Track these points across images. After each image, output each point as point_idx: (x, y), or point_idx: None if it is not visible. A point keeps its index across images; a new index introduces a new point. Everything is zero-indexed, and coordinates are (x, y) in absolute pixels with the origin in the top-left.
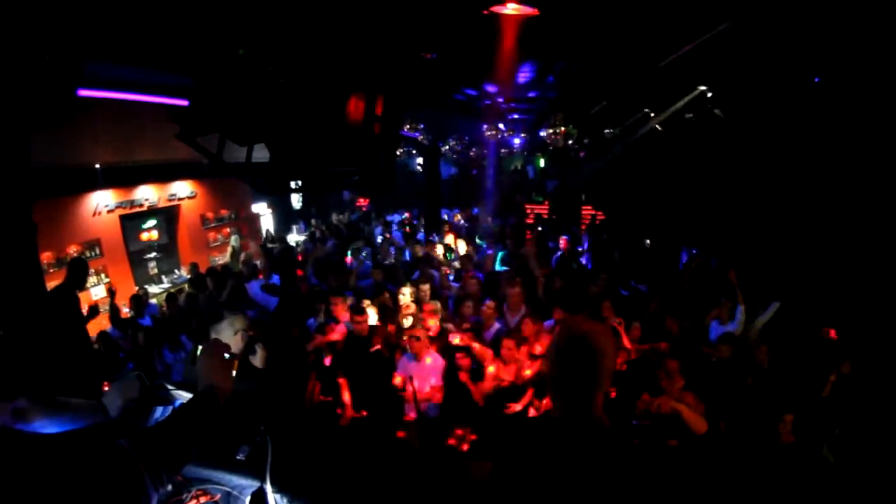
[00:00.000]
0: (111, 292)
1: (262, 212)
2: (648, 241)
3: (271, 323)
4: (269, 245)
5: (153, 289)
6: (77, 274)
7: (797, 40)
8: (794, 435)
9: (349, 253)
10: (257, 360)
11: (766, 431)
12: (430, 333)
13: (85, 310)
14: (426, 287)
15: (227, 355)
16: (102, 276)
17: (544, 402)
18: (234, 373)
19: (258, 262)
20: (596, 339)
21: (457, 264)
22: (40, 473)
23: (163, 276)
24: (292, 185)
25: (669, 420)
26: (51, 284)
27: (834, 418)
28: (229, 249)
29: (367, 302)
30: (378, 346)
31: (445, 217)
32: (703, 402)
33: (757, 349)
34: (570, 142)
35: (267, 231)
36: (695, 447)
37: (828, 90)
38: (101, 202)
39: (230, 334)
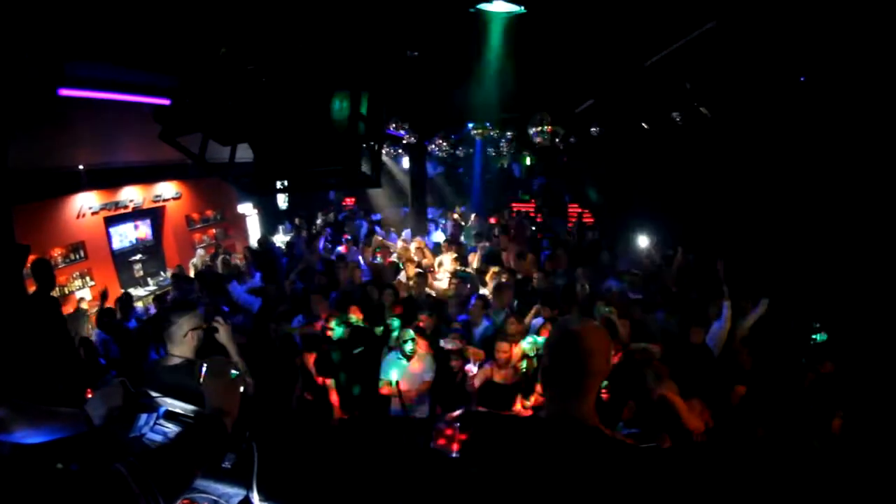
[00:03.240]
0: (103, 295)
1: (248, 212)
2: (641, 240)
3: (254, 325)
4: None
5: (139, 291)
6: (43, 276)
7: (783, 39)
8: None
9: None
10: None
11: (753, 430)
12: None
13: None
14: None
15: (233, 372)
16: (87, 278)
17: (532, 400)
18: (241, 390)
19: (240, 264)
20: (587, 339)
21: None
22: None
23: (148, 279)
24: (277, 185)
25: (662, 417)
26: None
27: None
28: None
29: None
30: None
31: (430, 216)
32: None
33: (740, 352)
34: (557, 140)
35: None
36: (686, 447)
37: (813, 89)
38: (85, 204)
39: (181, 336)
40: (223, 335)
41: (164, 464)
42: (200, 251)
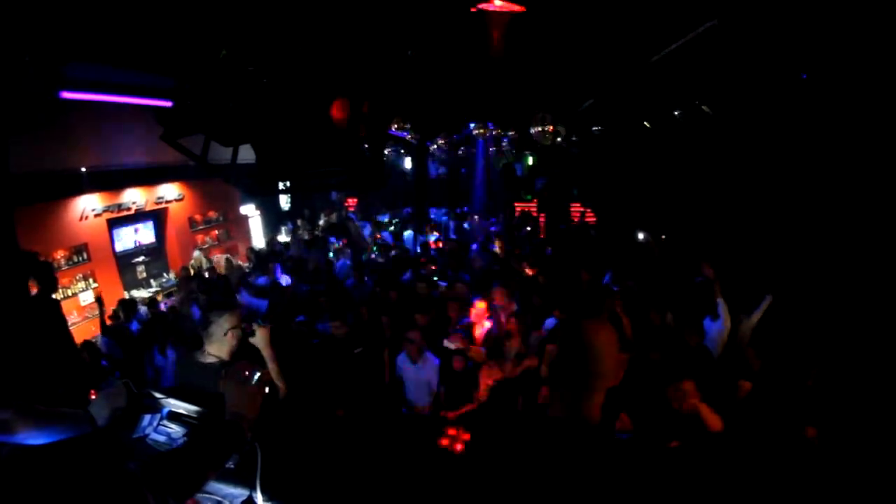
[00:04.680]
0: (99, 301)
1: (251, 213)
2: (642, 236)
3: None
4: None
5: (142, 293)
6: (44, 277)
7: (784, 37)
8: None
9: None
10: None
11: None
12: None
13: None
14: (422, 286)
15: (252, 373)
16: (90, 280)
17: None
18: (263, 395)
19: (246, 266)
20: (593, 340)
21: None
22: (45, 494)
23: (151, 280)
24: (280, 185)
25: (677, 422)
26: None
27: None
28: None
29: None
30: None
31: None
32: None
33: (747, 353)
34: (559, 140)
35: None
36: (689, 447)
37: (815, 87)
38: (88, 206)
39: (221, 335)
40: (259, 339)
41: (177, 465)
42: (196, 253)
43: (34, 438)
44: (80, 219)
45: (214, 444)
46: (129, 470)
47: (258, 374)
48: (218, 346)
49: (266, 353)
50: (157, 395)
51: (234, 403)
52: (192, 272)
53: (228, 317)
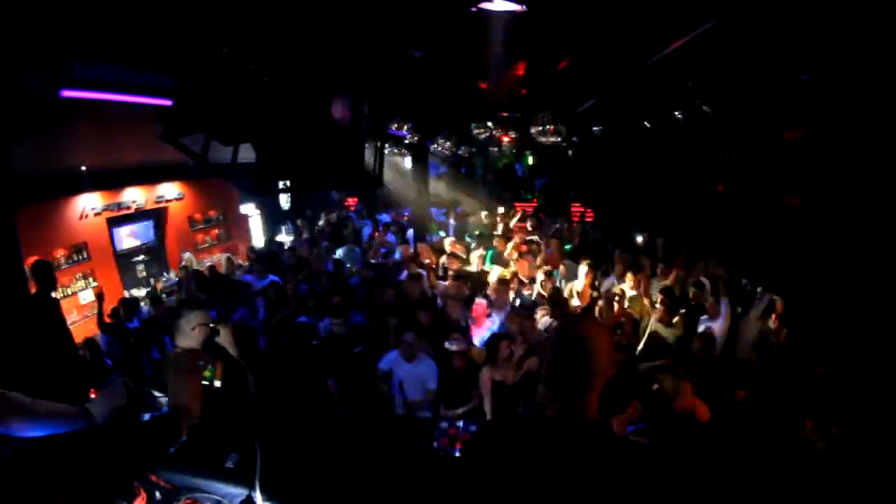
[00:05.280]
0: (99, 297)
1: (251, 213)
2: (641, 238)
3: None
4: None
5: (141, 292)
6: (43, 277)
7: (785, 38)
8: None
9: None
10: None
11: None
12: None
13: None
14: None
15: (206, 375)
16: (90, 279)
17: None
18: (204, 388)
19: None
20: (591, 338)
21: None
22: None
23: (151, 280)
24: (280, 185)
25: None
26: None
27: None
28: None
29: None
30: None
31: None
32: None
33: (749, 356)
34: (559, 139)
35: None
36: (691, 445)
37: (815, 87)
38: (88, 205)
39: (188, 330)
40: (224, 337)
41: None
42: (186, 255)
43: (28, 431)
44: (80, 217)
45: (142, 440)
46: (39, 465)
47: (210, 367)
48: (186, 340)
49: (231, 350)
50: (157, 393)
51: (171, 396)
52: (183, 272)
53: (197, 314)
